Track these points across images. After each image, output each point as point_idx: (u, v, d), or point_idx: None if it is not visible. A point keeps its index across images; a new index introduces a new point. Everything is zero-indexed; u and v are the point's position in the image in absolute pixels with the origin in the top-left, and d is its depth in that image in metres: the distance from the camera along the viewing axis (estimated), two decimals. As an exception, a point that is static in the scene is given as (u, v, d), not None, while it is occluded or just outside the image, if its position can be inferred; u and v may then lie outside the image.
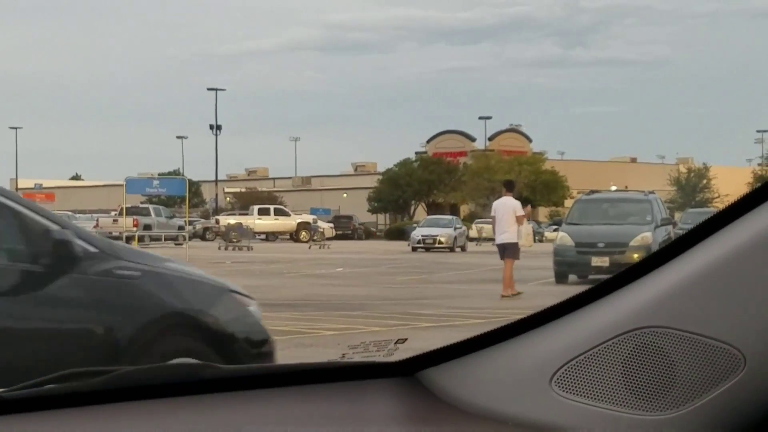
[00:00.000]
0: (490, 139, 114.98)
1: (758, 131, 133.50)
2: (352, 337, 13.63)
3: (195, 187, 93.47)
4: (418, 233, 55.19)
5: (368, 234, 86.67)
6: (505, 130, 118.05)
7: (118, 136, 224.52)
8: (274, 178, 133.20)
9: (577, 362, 1.69)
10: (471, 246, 58.90)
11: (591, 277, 25.38)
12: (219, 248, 52.30)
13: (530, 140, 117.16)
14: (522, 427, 1.71)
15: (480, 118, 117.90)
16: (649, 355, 1.64)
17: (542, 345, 1.73)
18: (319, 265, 35.55)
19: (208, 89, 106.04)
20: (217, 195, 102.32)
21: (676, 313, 1.62)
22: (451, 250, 53.22)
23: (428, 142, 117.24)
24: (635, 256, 24.68)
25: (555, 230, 68.52)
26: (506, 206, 21.66)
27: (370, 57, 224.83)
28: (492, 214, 22.33)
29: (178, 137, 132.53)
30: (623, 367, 1.66)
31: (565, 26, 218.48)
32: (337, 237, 72.71)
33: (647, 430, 1.64)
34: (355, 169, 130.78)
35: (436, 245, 53.17)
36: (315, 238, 62.28)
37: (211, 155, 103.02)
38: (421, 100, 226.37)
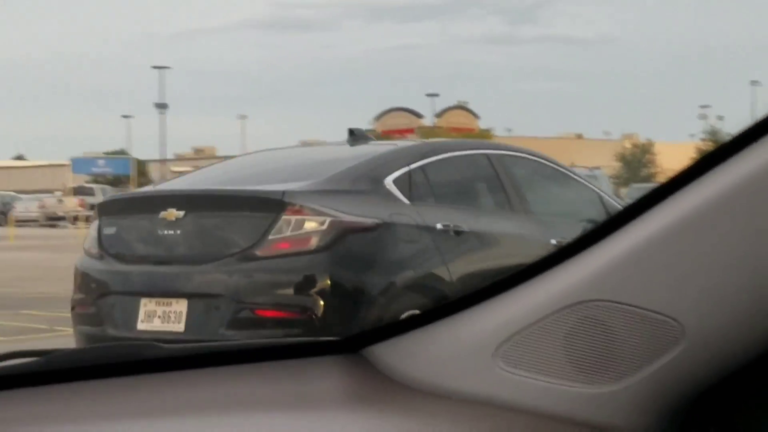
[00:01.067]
0: (438, 116, 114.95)
1: (701, 106, 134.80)
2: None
3: (141, 166, 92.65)
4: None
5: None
6: (453, 107, 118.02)
7: (62, 116, 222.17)
8: (221, 157, 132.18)
9: (520, 336, 1.67)
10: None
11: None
12: (166, 228, 51.79)
13: (478, 117, 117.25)
14: (467, 402, 1.70)
15: (427, 95, 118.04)
16: (591, 328, 1.63)
17: (486, 319, 1.71)
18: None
19: (153, 67, 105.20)
20: (164, 174, 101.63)
21: (618, 287, 1.61)
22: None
23: (376, 119, 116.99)
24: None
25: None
26: None
27: (316, 35, 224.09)
28: None
29: (123, 116, 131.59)
30: (566, 340, 1.64)
31: (511, 3, 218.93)
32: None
33: (590, 402, 1.65)
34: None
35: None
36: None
37: (157, 134, 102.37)
38: (368, 78, 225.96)
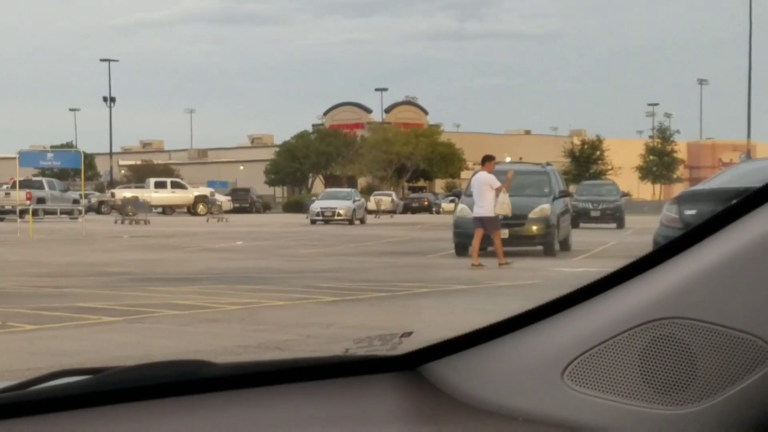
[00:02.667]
0: (387, 111, 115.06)
1: (649, 104, 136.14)
2: (257, 311, 13.60)
3: (89, 159, 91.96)
4: (317, 206, 55.10)
5: (266, 207, 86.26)
6: (402, 102, 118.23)
7: (9, 110, 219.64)
8: (169, 151, 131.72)
9: (590, 354, 1.60)
10: (370, 218, 59.01)
11: (490, 249, 25.63)
12: (115, 222, 51.60)
13: (426, 112, 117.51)
14: (533, 422, 1.63)
15: (376, 89, 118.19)
16: (667, 347, 1.56)
17: (553, 336, 1.64)
18: (218, 239, 35.26)
19: (101, 60, 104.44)
20: (111, 168, 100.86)
21: (696, 304, 1.54)
22: (350, 222, 53.23)
23: (325, 114, 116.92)
24: (534, 228, 24.99)
25: (452, 202, 69.11)
26: (480, 180, 22.39)
27: (266, 29, 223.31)
28: (470, 189, 23.13)
29: (71, 110, 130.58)
30: (640, 359, 1.57)
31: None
32: (234, 210, 72.19)
33: (667, 424, 1.57)
34: (252, 142, 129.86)
35: (335, 218, 53.16)
36: (213, 211, 61.82)
37: (105, 127, 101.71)
38: (318, 73, 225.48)
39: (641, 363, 1.58)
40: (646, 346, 1.58)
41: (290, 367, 1.81)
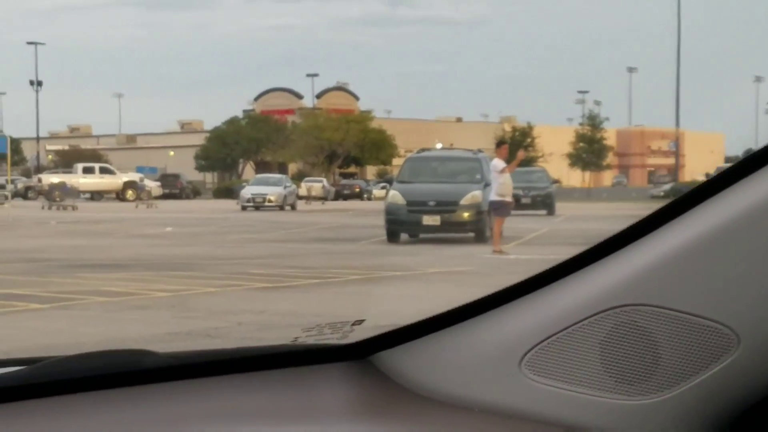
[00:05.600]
0: (318, 97, 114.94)
1: (579, 92, 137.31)
2: (187, 298, 13.46)
3: (15, 144, 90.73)
4: (247, 192, 54.82)
5: (196, 193, 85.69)
6: (333, 88, 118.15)
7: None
8: (98, 136, 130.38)
9: (549, 343, 1.55)
10: (300, 204, 58.87)
11: (422, 235, 25.65)
12: (42, 208, 50.95)
13: (357, 99, 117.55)
14: (490, 413, 1.58)
15: (307, 75, 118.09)
16: (630, 335, 1.51)
17: (510, 324, 1.58)
18: (147, 225, 34.94)
19: (28, 43, 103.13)
20: (38, 153, 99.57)
21: (660, 290, 1.49)
22: (281, 208, 53.05)
23: (256, 99, 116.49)
24: (465, 214, 25.06)
25: (383, 188, 69.09)
26: (492, 167, 22.63)
27: (195, 13, 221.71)
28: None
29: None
30: (601, 348, 1.52)
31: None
32: (164, 196, 71.60)
33: (629, 416, 1.52)
34: (182, 127, 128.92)
35: (266, 204, 52.95)
36: (142, 197, 61.27)
37: (32, 112, 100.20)
38: (248, 58, 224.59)
39: (601, 352, 1.53)
40: (607, 334, 1.52)
41: (237, 356, 1.74)
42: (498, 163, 22.36)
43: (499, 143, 23.85)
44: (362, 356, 1.72)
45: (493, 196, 22.27)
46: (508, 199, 22.31)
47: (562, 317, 1.55)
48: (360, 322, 1.92)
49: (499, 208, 22.17)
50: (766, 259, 1.45)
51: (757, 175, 1.46)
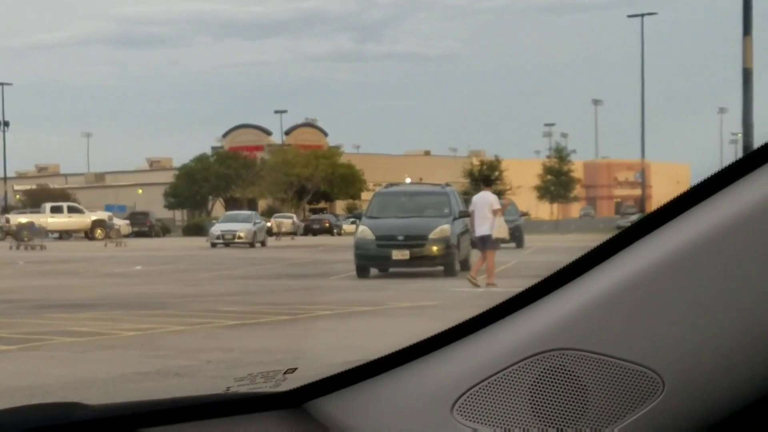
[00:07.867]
0: (287, 133, 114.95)
1: (545, 125, 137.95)
2: (156, 337, 13.40)
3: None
4: (217, 229, 54.68)
5: (165, 230, 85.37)
6: (301, 124, 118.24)
7: None
8: (66, 175, 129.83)
9: (480, 388, 1.55)
10: (271, 241, 58.76)
11: (392, 270, 25.65)
12: (10, 248, 50.62)
13: (326, 134, 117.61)
14: None
15: (276, 112, 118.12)
16: (558, 379, 1.51)
17: (442, 370, 1.59)
18: (116, 264, 34.79)
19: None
20: (6, 193, 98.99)
21: (587, 334, 1.49)
22: (251, 245, 52.93)
23: (224, 136, 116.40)
24: (434, 248, 25.08)
25: (353, 223, 69.03)
26: (483, 201, 22.46)
27: (164, 51, 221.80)
28: (471, 208, 23.17)
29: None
30: (531, 392, 1.52)
31: (358, 21, 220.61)
32: (133, 234, 71.32)
33: None
34: (150, 165, 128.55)
35: (236, 241, 52.82)
36: (111, 235, 60.99)
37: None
38: (217, 95, 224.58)
39: (532, 396, 1.53)
40: (537, 378, 1.53)
41: (168, 407, 1.73)
42: (493, 200, 22.51)
43: (486, 180, 24.15)
44: (297, 404, 1.72)
45: (487, 232, 22.25)
46: (502, 236, 22.55)
47: (494, 362, 1.55)
48: (293, 370, 1.90)
49: (491, 242, 22.25)
50: (689, 304, 1.46)
51: (680, 219, 1.47)
